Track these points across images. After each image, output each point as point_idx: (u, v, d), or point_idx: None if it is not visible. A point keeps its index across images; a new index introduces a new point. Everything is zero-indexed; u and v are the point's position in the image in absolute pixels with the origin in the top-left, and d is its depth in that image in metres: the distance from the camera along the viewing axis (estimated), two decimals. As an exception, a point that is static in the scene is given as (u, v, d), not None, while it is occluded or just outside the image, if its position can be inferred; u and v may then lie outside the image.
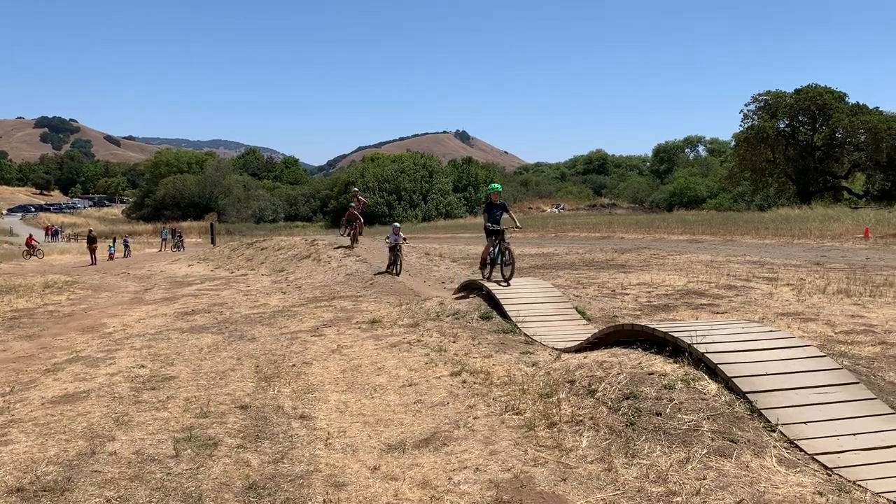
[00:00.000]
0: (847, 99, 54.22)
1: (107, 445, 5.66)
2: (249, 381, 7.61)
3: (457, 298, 11.13)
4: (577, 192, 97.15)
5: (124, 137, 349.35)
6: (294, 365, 8.26)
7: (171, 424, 6.17)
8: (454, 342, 8.76)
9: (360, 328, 10.22)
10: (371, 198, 59.14)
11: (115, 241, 38.74)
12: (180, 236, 41.06)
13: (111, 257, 33.59)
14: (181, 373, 8.08)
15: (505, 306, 10.06)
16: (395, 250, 15.82)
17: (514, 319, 9.62)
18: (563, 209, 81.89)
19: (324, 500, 4.51)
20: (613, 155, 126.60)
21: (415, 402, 6.59)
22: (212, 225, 49.47)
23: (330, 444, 5.60)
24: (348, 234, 21.63)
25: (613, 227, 35.98)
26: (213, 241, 39.80)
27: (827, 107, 53.03)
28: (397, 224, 17.23)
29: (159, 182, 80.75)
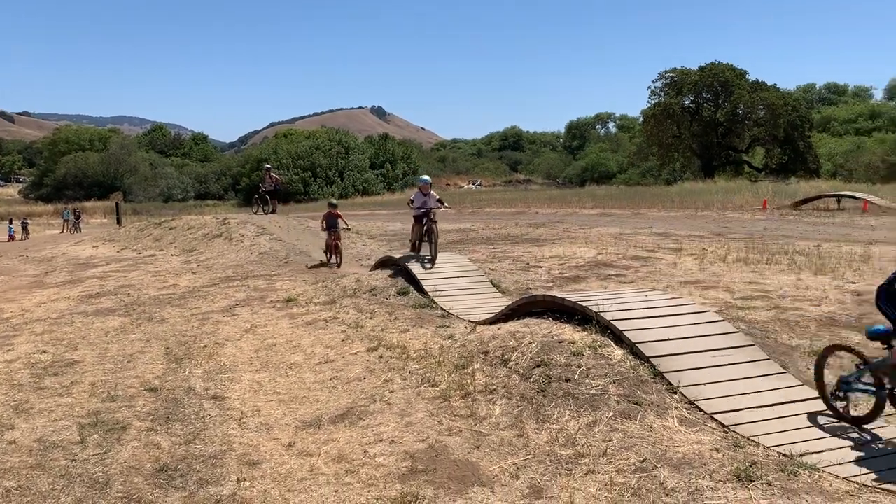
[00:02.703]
0: (748, 76, 56.64)
1: (5, 434, 5.41)
2: (159, 364, 7.41)
3: (374, 275, 11.11)
4: (493, 169, 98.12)
5: (18, 113, 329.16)
6: (206, 346, 8.08)
7: (75, 410, 5.95)
8: (371, 318, 8.76)
9: (274, 307, 10.08)
10: (285, 175, 57.96)
11: (11, 222, 36.65)
12: (78, 216, 39.13)
13: (11, 239, 31.79)
14: (86, 357, 7.78)
15: (422, 281, 10.12)
16: (423, 220, 11.01)
17: (430, 294, 9.70)
18: (479, 185, 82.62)
19: (238, 479, 4.47)
20: (528, 131, 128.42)
21: (331, 379, 6.58)
22: (117, 205, 47.40)
23: (244, 423, 5.54)
24: (263, 212, 21.17)
25: (528, 202, 36.58)
26: (118, 222, 38.17)
27: (729, 84, 55.25)
28: (426, 178, 11.62)
29: (59, 161, 76.62)
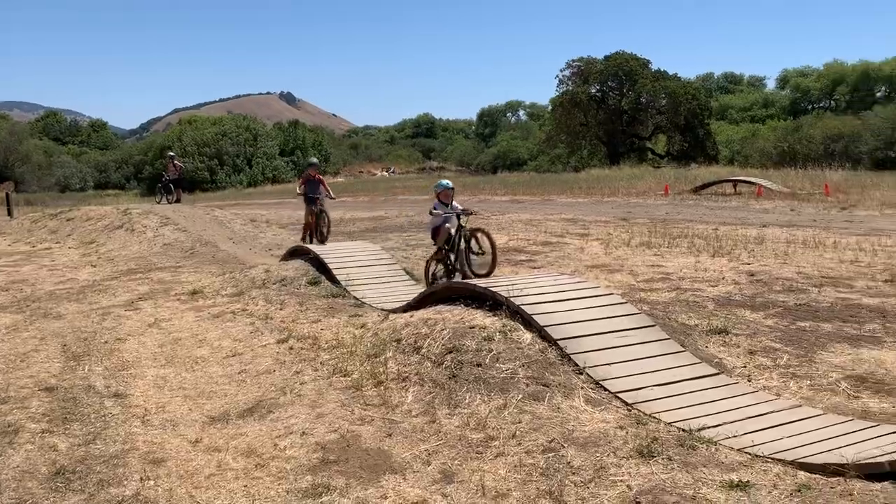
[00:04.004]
0: (651, 66, 58.49)
1: None
2: (56, 362, 7.05)
3: (284, 265, 10.91)
4: (406, 156, 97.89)
5: None
6: (107, 342, 7.75)
7: (-39, 415, 5.59)
8: (281, 309, 8.61)
9: (179, 300, 9.75)
10: (190, 163, 56.04)
11: None
12: None
13: None
14: (-27, 358, 7.32)
15: (334, 270, 10.02)
16: (451, 235, 8.28)
17: (343, 283, 9.61)
18: (393, 172, 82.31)
19: (141, 478, 4.32)
20: (441, 118, 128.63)
21: (239, 373, 6.44)
22: (8, 195, 44.51)
23: (147, 420, 5.35)
24: (167, 202, 20.42)
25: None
26: (10, 214, 35.95)
27: (633, 73, 56.91)
28: (447, 183, 8.48)
29: (-60, 148, 71.42)
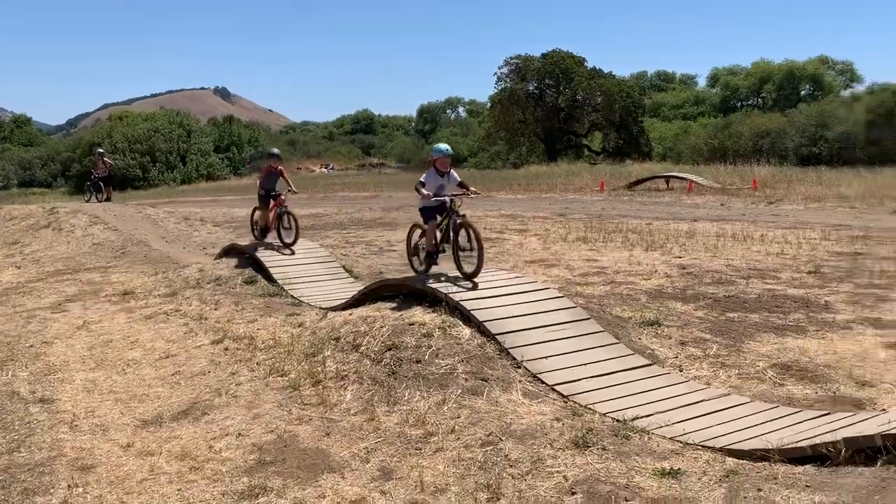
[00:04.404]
0: (586, 64, 59.48)
1: None
2: (-24, 368, 6.74)
3: (219, 264, 10.69)
4: (345, 152, 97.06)
5: None
6: (32, 345, 7.45)
7: None
8: (216, 309, 8.44)
9: (110, 301, 9.46)
10: (121, 160, 54.32)
11: None
12: None
13: None
14: None
15: (270, 269, 9.87)
16: (442, 212, 7.15)
17: (280, 282, 9.48)
18: (332, 169, 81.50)
19: (69, 486, 4.17)
20: (380, 115, 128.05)
21: (173, 374, 6.28)
22: (-76, 194, 42.50)
23: (76, 426, 5.17)
24: (96, 200, 19.76)
25: (382, 186, 36.57)
26: (-74, 213, 34.20)
27: (569, 71, 57.77)
28: (445, 148, 7.26)
29: None
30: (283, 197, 10.62)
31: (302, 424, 4.88)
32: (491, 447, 4.27)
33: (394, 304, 6.76)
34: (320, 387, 5.48)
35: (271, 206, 10.66)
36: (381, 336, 6.07)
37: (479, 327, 5.94)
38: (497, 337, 5.79)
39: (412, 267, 7.57)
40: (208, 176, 62.38)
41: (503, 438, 4.37)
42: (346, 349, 6.12)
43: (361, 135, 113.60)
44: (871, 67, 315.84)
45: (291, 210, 10.67)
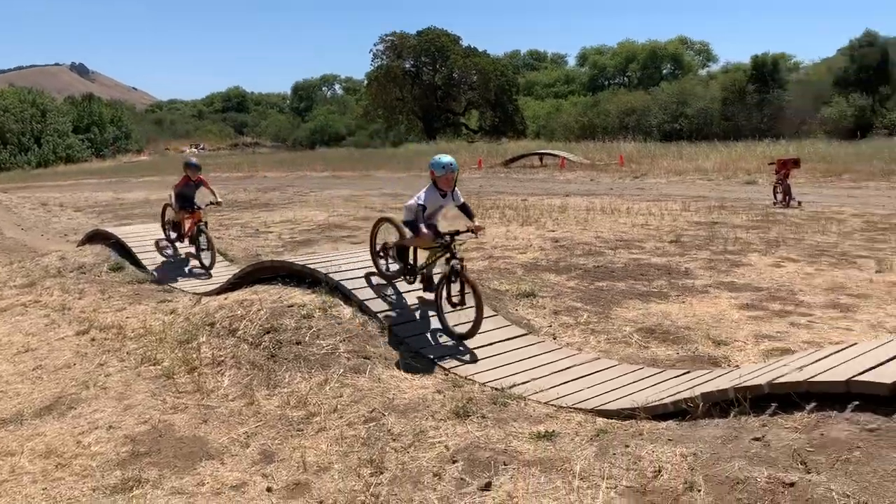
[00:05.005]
0: (461, 42, 60.05)
1: None
2: None
3: (82, 251, 10.08)
4: (217, 132, 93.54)
5: None
6: None
7: None
8: (80, 299, 7.97)
9: (-42, 294, 8.72)
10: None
11: None
12: None
13: None
14: None
15: (139, 255, 9.43)
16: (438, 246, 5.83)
17: (150, 268, 9.08)
18: (203, 149, 78.33)
19: (-84, 496, 3.85)
20: (252, 92, 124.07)
21: (34, 369, 5.89)
22: None
23: (-77, 431, 4.76)
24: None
25: (257, 166, 35.57)
26: None
27: (445, 49, 58.17)
28: (449, 161, 5.76)
29: None
30: (202, 210, 9.21)
31: (178, 413, 4.72)
32: (374, 423, 4.30)
33: (272, 287, 6.63)
34: (196, 374, 5.31)
35: (189, 219, 9.27)
36: (259, 319, 5.95)
37: (361, 306, 5.93)
38: (378, 315, 5.81)
39: (377, 268, 6.40)
40: (67, 158, 58.40)
41: (386, 414, 4.41)
42: (222, 334, 5.96)
43: (233, 113, 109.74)
44: (725, 48, 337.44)
45: (208, 231, 9.27)
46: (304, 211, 15.78)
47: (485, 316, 6.19)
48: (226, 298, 6.75)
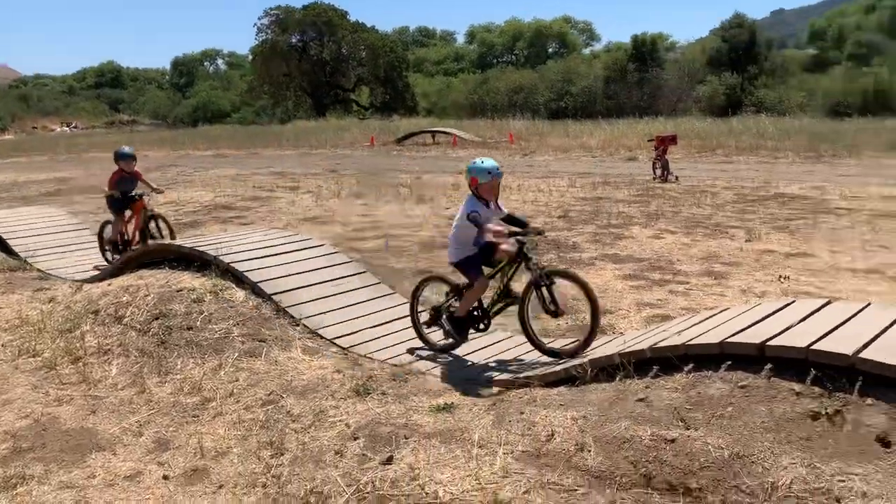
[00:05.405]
0: (349, 17, 59.09)
1: None
2: None
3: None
4: (91, 109, 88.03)
5: None
6: None
7: None
8: (-56, 289, 7.40)
9: None
10: None
11: None
12: None
13: None
14: None
15: (10, 241, 8.88)
16: (499, 260, 4.95)
17: (22, 255, 8.54)
18: (75, 128, 73.67)
19: None
20: (128, 67, 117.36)
21: None
22: None
23: None
24: None
25: (136, 145, 33.81)
26: None
27: (332, 24, 57.07)
28: (491, 165, 4.89)
29: None
30: (146, 198, 8.38)
31: (62, 405, 4.50)
32: (272, 405, 4.27)
33: (158, 271, 6.39)
34: (81, 364, 5.08)
35: (130, 214, 8.34)
36: (147, 305, 5.73)
37: (254, 288, 5.82)
38: (273, 297, 5.73)
39: (425, 342, 5.32)
40: (-83, 138, 53.48)
41: (284, 396, 4.38)
42: (107, 322, 5.71)
43: (108, 89, 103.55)
44: (607, 28, 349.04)
45: (160, 212, 8.46)
46: (189, 192, 15.23)
47: (383, 294, 6.26)
48: (109, 285, 6.45)
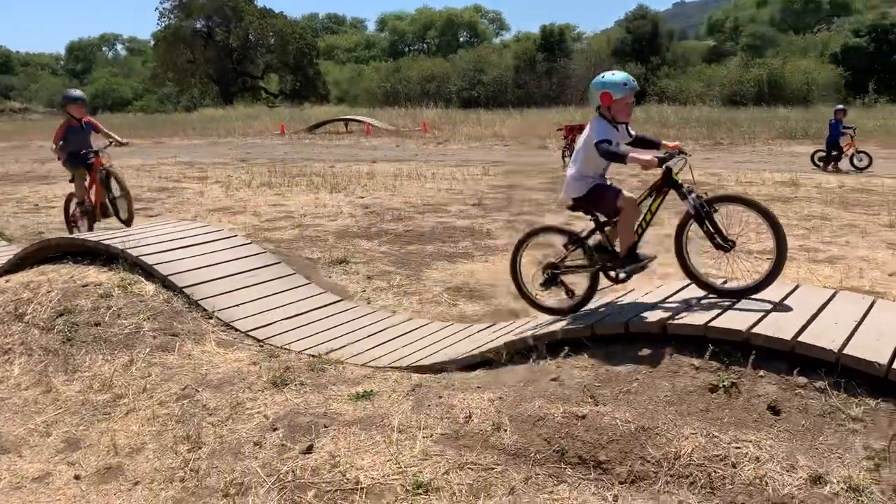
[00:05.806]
0: (256, 2, 57.67)
1: None
2: None
3: None
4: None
5: None
6: None
7: None
8: None
9: None
10: None
11: None
12: None
13: None
14: None
15: None
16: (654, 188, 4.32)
17: None
18: (-40, 116, 69.00)
19: None
20: (19, 52, 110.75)
21: None
22: None
23: None
24: None
25: (30, 133, 32.11)
26: None
27: (238, 9, 55.58)
28: (625, 77, 4.20)
29: None
30: (104, 155, 7.43)
31: (-40, 410, 4.29)
32: (188, 400, 4.20)
33: (62, 266, 6.13)
34: (-21, 365, 4.84)
35: (88, 178, 7.39)
36: (50, 302, 5.51)
37: (164, 282, 5.68)
38: (184, 290, 5.60)
39: (536, 306, 4.79)
40: None
41: (200, 390, 4.32)
42: (6, 320, 5.45)
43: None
44: (516, 18, 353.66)
45: (115, 169, 7.46)
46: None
47: (298, 285, 6.22)
48: (7, 281, 6.15)
